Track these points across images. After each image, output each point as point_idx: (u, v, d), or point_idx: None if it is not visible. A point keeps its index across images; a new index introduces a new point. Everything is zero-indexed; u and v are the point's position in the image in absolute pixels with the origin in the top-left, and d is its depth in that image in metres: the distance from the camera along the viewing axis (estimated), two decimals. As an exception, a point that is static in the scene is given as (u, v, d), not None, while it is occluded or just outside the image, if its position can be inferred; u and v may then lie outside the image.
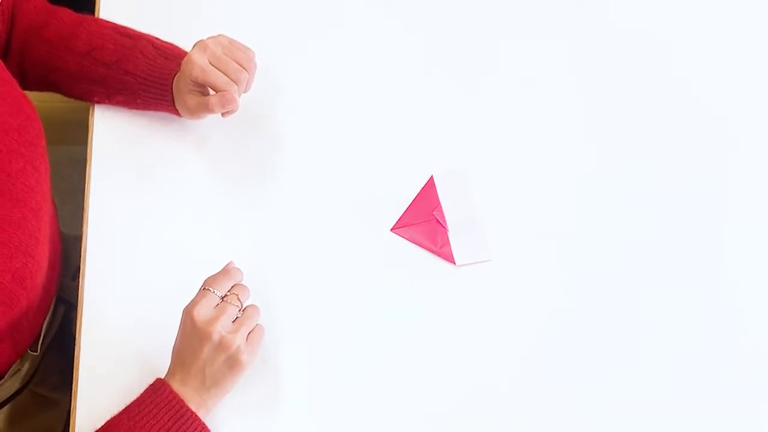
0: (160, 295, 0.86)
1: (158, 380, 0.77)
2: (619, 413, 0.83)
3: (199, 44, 0.86)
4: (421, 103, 0.97)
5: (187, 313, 0.75)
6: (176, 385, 0.76)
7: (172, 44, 0.92)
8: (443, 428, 0.81)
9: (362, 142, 0.95)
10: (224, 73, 0.85)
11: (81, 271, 0.87)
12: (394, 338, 0.85)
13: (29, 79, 0.93)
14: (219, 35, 0.88)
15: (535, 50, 1.00)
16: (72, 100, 0.94)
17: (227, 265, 0.80)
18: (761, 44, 1.02)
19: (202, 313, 0.75)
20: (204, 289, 0.77)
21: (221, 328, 0.74)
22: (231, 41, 0.88)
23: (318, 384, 0.83)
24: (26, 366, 0.89)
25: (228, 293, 0.77)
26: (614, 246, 0.90)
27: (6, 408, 0.90)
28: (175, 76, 0.89)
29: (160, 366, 0.78)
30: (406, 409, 0.82)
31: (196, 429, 0.76)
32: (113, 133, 0.93)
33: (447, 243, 0.89)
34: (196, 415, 0.75)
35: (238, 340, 0.75)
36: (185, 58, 0.87)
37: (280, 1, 1.02)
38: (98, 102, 0.94)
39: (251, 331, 0.77)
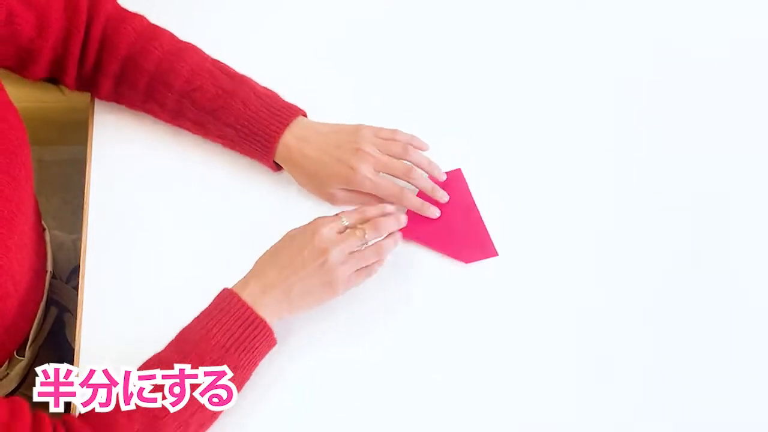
0: (160, 296, 0.86)
1: (225, 290, 0.78)
2: (622, 411, 0.83)
3: (359, 154, 0.83)
4: (421, 103, 0.97)
5: (313, 226, 0.78)
6: (253, 292, 0.77)
7: (272, 92, 0.88)
8: (445, 428, 0.82)
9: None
10: (395, 175, 0.85)
11: (81, 271, 0.86)
12: (395, 339, 0.85)
13: (125, 101, 0.91)
14: (360, 126, 0.86)
15: (536, 50, 1.01)
16: (72, 99, 0.93)
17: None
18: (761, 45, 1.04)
19: (326, 232, 0.77)
20: (337, 214, 0.80)
21: (336, 253, 0.77)
22: (376, 131, 0.86)
23: (316, 384, 0.83)
24: (15, 370, 0.88)
25: (358, 226, 0.79)
26: (618, 245, 0.90)
27: (3, 408, 0.89)
28: (280, 136, 0.85)
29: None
30: (407, 408, 0.82)
31: (263, 335, 0.76)
32: (113, 133, 0.92)
33: (455, 241, 0.88)
34: (265, 322, 0.76)
35: (345, 271, 0.78)
36: (351, 171, 0.83)
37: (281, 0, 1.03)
38: (198, 135, 0.91)
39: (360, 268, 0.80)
